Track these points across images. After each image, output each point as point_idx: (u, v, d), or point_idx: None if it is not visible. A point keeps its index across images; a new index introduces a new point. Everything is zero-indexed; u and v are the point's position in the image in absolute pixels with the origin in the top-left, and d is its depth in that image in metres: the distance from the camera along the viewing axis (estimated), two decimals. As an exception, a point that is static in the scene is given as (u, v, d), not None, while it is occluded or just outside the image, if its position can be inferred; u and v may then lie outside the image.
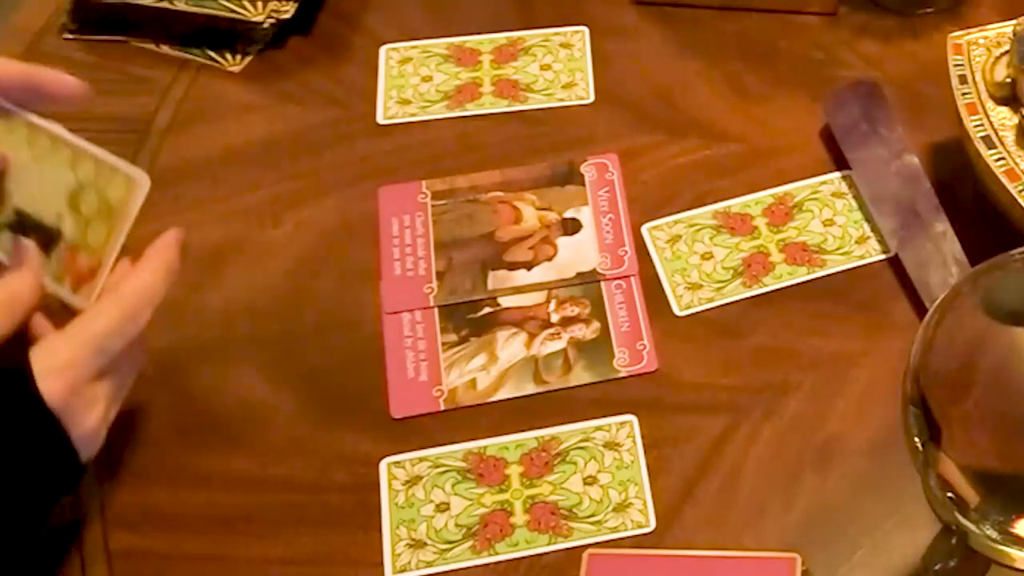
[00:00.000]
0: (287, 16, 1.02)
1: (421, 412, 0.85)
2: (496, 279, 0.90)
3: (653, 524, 0.79)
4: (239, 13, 1.02)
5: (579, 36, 1.02)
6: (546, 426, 0.83)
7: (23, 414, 0.73)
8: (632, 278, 0.90)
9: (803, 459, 0.81)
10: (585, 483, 0.81)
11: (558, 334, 0.87)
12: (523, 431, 0.83)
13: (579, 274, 0.90)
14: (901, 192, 0.89)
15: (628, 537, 0.79)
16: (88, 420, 0.74)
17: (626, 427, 0.83)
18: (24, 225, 0.80)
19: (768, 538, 0.78)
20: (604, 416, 0.83)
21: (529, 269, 0.91)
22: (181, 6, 1.02)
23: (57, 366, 0.74)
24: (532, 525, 0.80)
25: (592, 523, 0.79)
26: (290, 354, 0.88)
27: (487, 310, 0.89)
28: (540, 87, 1.00)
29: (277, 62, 1.03)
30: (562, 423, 0.83)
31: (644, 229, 0.92)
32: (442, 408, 0.85)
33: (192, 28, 1.03)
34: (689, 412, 0.84)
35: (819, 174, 0.93)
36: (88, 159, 0.78)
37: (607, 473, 0.81)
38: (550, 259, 0.91)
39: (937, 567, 0.68)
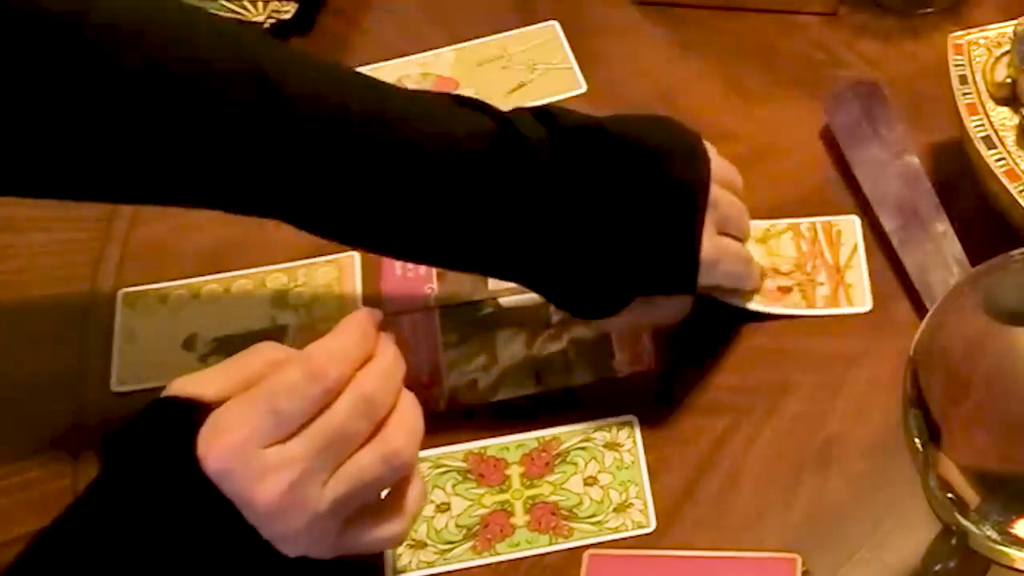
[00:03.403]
0: (287, 16, 1.03)
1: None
2: (496, 279, 0.90)
3: (654, 524, 0.79)
4: (240, 13, 1.02)
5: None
6: (546, 426, 0.83)
7: (181, 477, 0.68)
8: (632, 278, 0.89)
9: (803, 459, 0.81)
10: (585, 483, 0.81)
11: (558, 334, 0.87)
12: (523, 431, 0.83)
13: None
14: (901, 192, 0.89)
15: (629, 537, 0.79)
16: (259, 488, 0.67)
17: (626, 427, 0.83)
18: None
19: (768, 538, 0.78)
20: (604, 416, 0.83)
21: None
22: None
23: (222, 425, 0.68)
24: (533, 525, 0.80)
25: (593, 523, 0.79)
26: (290, 354, 0.88)
27: (487, 310, 0.89)
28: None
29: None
30: (562, 423, 0.83)
31: (644, 229, 0.91)
32: (442, 408, 0.85)
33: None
34: (689, 412, 0.84)
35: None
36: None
37: (607, 473, 0.81)
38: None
39: (937, 567, 0.68)
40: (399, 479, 0.72)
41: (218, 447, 0.68)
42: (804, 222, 0.90)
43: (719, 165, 0.82)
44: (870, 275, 0.88)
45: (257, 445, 0.68)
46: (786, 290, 0.87)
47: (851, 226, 0.90)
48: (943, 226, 0.87)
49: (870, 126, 0.93)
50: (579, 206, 0.78)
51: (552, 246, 0.79)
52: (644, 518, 0.79)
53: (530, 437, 0.83)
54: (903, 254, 0.87)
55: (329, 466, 0.69)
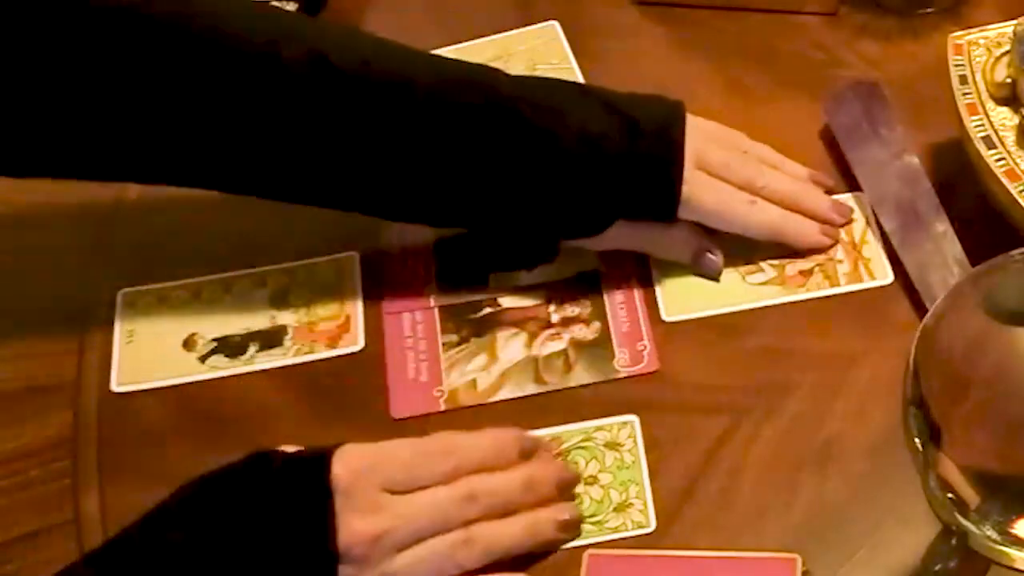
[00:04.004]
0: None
1: (422, 412, 0.85)
2: (496, 279, 0.90)
3: (654, 524, 0.79)
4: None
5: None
6: (547, 426, 0.83)
7: (306, 479, 0.74)
8: (632, 278, 0.89)
9: (803, 459, 0.81)
10: (586, 483, 0.81)
11: (558, 334, 0.87)
12: (523, 431, 0.83)
13: (579, 274, 0.90)
14: (901, 192, 0.89)
15: (629, 537, 0.79)
16: (361, 519, 0.73)
17: (627, 427, 0.83)
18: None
19: (768, 538, 0.78)
20: (604, 416, 0.83)
21: (529, 269, 0.90)
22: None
23: (354, 453, 0.75)
24: (532, 525, 0.80)
25: (593, 523, 0.79)
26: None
27: (487, 310, 0.89)
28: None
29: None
30: (563, 423, 0.83)
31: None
32: (443, 408, 0.85)
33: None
34: (689, 412, 0.84)
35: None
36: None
37: (608, 473, 0.81)
38: (550, 259, 0.91)
39: (937, 567, 0.68)
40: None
41: (350, 460, 0.74)
42: None
43: (711, 125, 0.90)
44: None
45: (381, 482, 0.75)
46: (808, 273, 0.88)
47: (858, 202, 0.90)
48: (943, 226, 0.87)
49: (870, 126, 0.93)
50: (564, 136, 0.85)
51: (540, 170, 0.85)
52: (644, 518, 0.79)
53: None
54: (903, 254, 0.87)
55: (414, 536, 0.74)
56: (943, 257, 0.86)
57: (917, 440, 0.67)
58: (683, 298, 0.88)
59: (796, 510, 0.79)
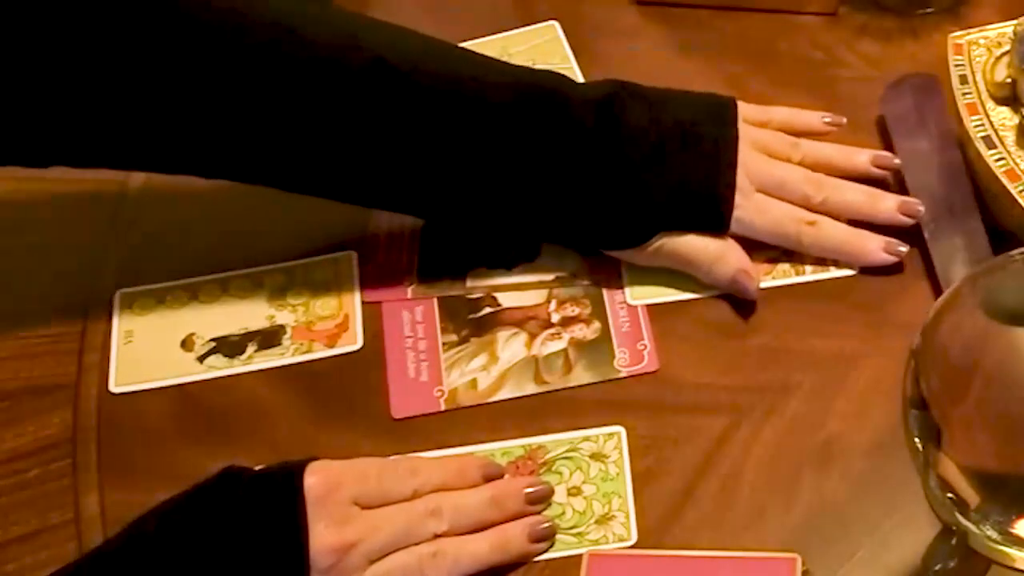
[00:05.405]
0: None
1: (421, 412, 0.85)
2: (475, 276, 0.90)
3: (635, 538, 0.79)
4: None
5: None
6: (546, 426, 0.83)
7: (280, 489, 0.75)
8: (632, 278, 0.90)
9: (803, 459, 0.81)
10: (569, 494, 0.80)
11: (559, 334, 0.87)
12: (521, 432, 0.83)
13: (576, 274, 0.90)
14: (940, 187, 0.88)
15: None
16: (330, 530, 0.74)
17: (614, 438, 0.82)
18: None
19: (768, 538, 0.78)
20: (604, 416, 0.83)
21: (509, 269, 0.90)
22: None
23: (326, 467, 0.76)
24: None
25: (573, 535, 0.79)
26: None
27: (487, 310, 0.89)
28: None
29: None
30: (562, 423, 0.83)
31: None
32: (443, 408, 0.85)
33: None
34: (689, 412, 0.83)
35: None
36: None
37: (592, 484, 0.81)
38: (531, 259, 0.91)
39: (937, 567, 0.68)
40: None
41: (323, 472, 0.75)
42: None
43: (763, 134, 0.88)
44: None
45: (351, 496, 0.75)
46: (774, 260, 0.88)
47: None
48: (976, 223, 0.86)
49: (920, 118, 0.92)
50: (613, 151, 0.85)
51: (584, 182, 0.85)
52: (625, 531, 0.79)
53: (516, 445, 0.83)
54: (932, 246, 0.86)
55: (382, 549, 0.75)
56: (972, 253, 0.85)
57: (917, 440, 0.67)
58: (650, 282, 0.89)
59: (796, 510, 0.79)
